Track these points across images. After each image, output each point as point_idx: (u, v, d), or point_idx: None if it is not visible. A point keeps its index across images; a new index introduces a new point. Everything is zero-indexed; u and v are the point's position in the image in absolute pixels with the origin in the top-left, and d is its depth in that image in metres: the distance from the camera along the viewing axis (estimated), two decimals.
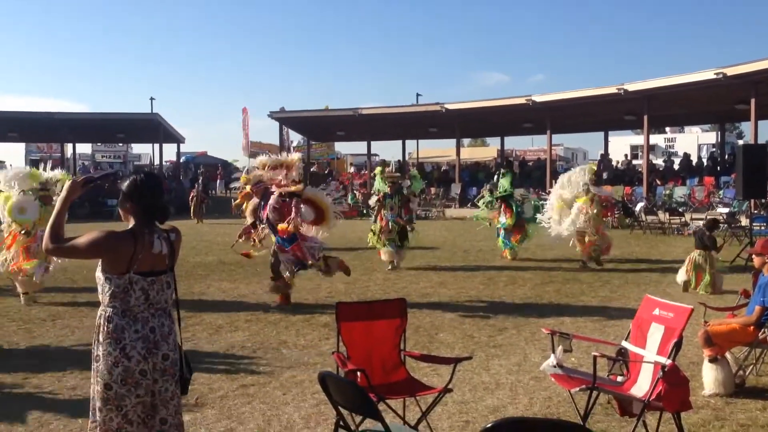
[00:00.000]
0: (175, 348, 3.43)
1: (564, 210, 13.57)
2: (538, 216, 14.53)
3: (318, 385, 5.73)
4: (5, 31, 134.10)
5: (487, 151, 52.53)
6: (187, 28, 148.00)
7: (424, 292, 10.80)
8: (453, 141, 36.76)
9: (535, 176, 33.41)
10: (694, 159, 35.20)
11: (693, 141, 51.15)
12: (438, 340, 7.73)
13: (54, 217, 3.39)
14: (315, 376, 6.14)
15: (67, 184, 3.46)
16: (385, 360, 4.87)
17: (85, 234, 3.37)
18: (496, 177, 15.79)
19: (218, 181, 39.70)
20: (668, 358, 4.29)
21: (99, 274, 3.36)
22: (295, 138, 47.35)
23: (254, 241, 9.94)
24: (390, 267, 13.24)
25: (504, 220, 14.74)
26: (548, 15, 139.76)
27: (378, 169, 14.30)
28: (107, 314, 3.33)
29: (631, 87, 25.51)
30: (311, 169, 40.78)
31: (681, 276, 11.00)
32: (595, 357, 4.26)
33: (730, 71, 21.94)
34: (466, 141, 52.66)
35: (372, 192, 14.14)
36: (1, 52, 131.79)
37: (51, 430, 5.06)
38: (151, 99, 54.96)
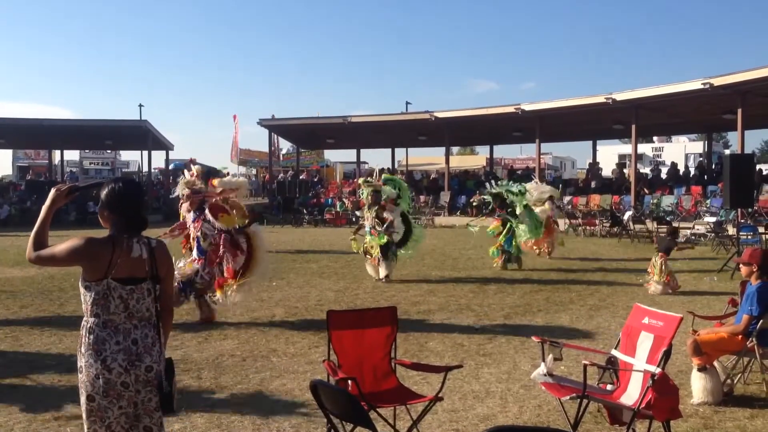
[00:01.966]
0: (160, 360, 3.38)
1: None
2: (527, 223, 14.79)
3: (308, 394, 5.75)
4: None
5: (476, 159, 52.74)
6: (177, 34, 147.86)
7: (413, 301, 10.80)
8: (442, 149, 36.87)
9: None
10: (682, 168, 35.44)
11: (680, 150, 51.62)
12: (427, 348, 7.72)
13: (37, 226, 3.36)
14: (305, 385, 6.16)
15: (52, 192, 3.42)
16: (375, 368, 4.87)
17: (64, 241, 3.34)
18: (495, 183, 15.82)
19: None
20: (658, 366, 4.31)
21: (80, 284, 3.33)
22: (285, 145, 47.40)
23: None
24: (382, 279, 12.84)
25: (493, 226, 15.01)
26: (538, 23, 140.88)
27: (362, 180, 13.98)
28: (88, 325, 3.29)
29: (620, 96, 25.67)
30: (300, 177, 40.77)
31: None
32: (585, 365, 4.27)
33: (717, 81, 22.12)
34: (454, 149, 52.78)
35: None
36: None
37: None
38: (140, 106, 54.85)
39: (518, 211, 14.88)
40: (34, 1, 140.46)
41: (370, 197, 12.92)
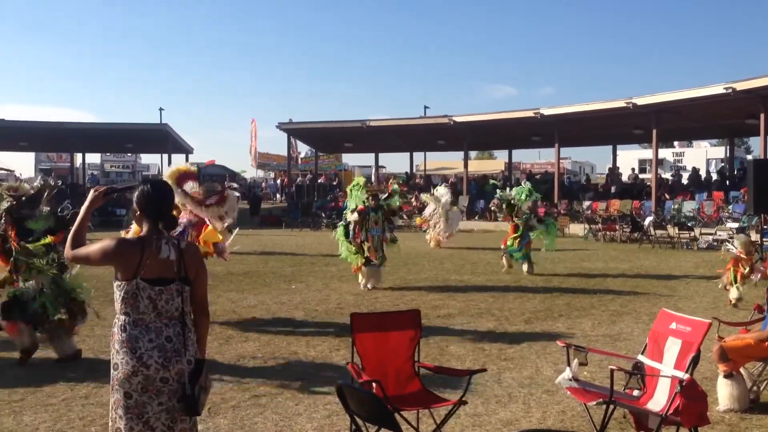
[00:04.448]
0: (196, 356, 3.43)
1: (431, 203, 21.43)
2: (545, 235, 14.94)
3: (330, 396, 5.77)
4: (18, 41, 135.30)
5: (494, 163, 52.56)
6: (196, 39, 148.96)
7: (433, 304, 10.77)
8: (460, 153, 36.81)
9: (543, 190, 33.30)
10: (703, 173, 35.10)
11: (701, 155, 51.16)
12: (448, 352, 7.70)
13: (75, 226, 3.46)
14: (326, 387, 6.17)
15: (91, 193, 3.52)
16: (399, 371, 4.86)
17: (98, 242, 3.43)
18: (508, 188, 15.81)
19: None
20: (686, 372, 4.26)
21: (113, 283, 3.41)
22: (303, 149, 47.53)
23: None
24: (369, 287, 12.38)
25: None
26: (557, 29, 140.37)
27: (357, 182, 13.29)
28: (120, 323, 3.36)
29: (640, 101, 25.50)
30: (318, 180, 40.87)
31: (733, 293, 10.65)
32: (612, 371, 4.23)
33: (740, 86, 21.92)
34: (472, 153, 52.64)
35: (348, 207, 13.04)
36: (13, 62, 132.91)
37: None
38: (160, 109, 55.56)
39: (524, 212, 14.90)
40: (58, 6, 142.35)
41: (371, 202, 12.62)
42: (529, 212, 14.95)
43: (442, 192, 21.96)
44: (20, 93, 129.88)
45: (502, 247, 14.93)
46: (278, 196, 42.96)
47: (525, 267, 14.68)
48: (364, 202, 12.60)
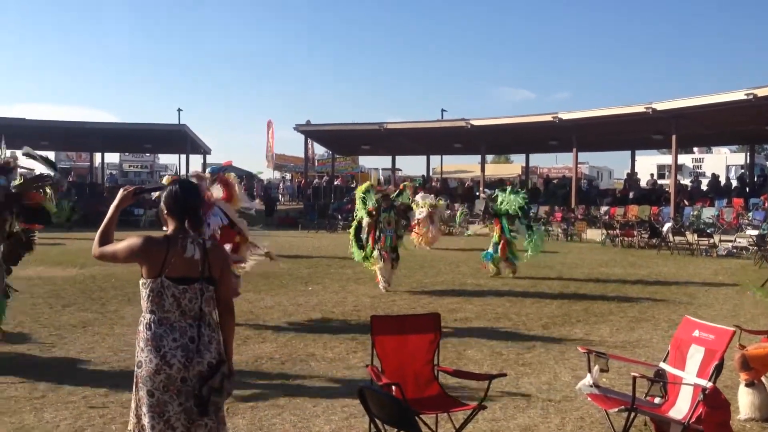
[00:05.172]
0: (219, 357, 3.44)
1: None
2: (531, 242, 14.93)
3: (348, 398, 5.78)
4: (40, 42, 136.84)
5: (511, 167, 52.40)
6: (215, 40, 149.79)
7: (450, 308, 10.75)
8: (476, 157, 36.70)
9: (560, 194, 33.24)
10: (723, 180, 34.79)
11: (721, 161, 50.69)
12: (466, 356, 7.68)
13: (104, 224, 3.52)
14: (344, 389, 6.18)
15: (120, 193, 3.58)
16: (418, 374, 4.85)
17: (125, 240, 3.47)
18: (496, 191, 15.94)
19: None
20: (709, 380, 4.23)
21: (140, 281, 3.45)
22: (320, 151, 47.64)
23: None
24: (386, 286, 12.42)
25: (494, 235, 15.10)
26: (574, 32, 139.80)
27: (365, 186, 13.23)
28: (146, 321, 3.39)
29: (660, 106, 25.34)
30: (335, 182, 40.94)
31: None
32: (634, 378, 4.20)
33: (761, 92, 21.74)
34: (489, 157, 52.56)
35: (356, 211, 13.07)
36: (35, 62, 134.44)
37: None
38: (179, 110, 55.77)
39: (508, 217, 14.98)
40: (78, 7, 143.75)
41: (382, 203, 12.57)
42: (520, 216, 14.99)
43: (423, 197, 23.10)
44: (42, 93, 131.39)
45: (495, 255, 15.01)
46: (287, 196, 43.06)
47: (507, 270, 14.83)
48: (374, 203, 12.58)
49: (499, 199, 15.23)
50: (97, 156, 42.54)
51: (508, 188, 15.94)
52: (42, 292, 11.65)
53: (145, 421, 3.35)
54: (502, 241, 14.76)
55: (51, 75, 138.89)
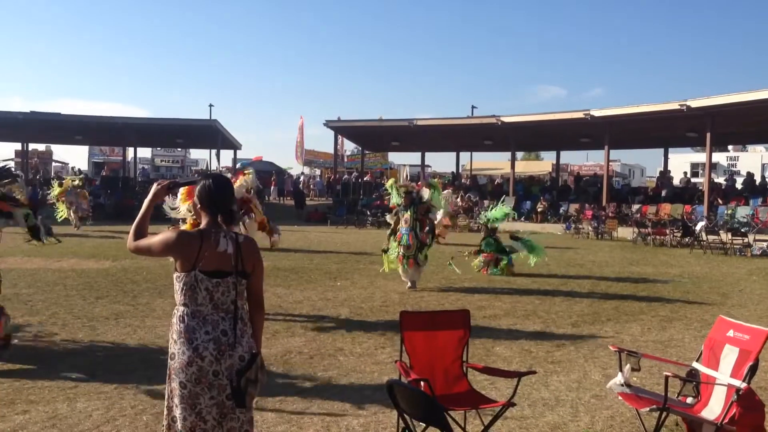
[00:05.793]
0: (250, 351, 3.46)
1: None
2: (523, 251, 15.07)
3: (377, 393, 5.78)
4: (76, 40, 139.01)
5: (541, 165, 51.98)
6: (246, 37, 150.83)
7: (478, 305, 10.70)
8: (506, 154, 36.48)
9: (592, 192, 32.91)
10: (758, 179, 34.14)
11: (757, 160, 49.78)
12: (495, 353, 7.64)
13: (138, 218, 3.57)
14: (373, 384, 6.20)
15: (154, 187, 3.62)
16: (447, 371, 4.84)
17: (159, 234, 3.53)
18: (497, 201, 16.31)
19: (272, 187, 40.27)
20: (743, 381, 4.15)
21: (173, 275, 3.49)
22: (349, 147, 47.76)
23: None
24: (410, 286, 12.33)
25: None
26: (607, 29, 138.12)
27: (390, 181, 13.37)
28: (179, 313, 3.43)
29: (695, 103, 24.93)
30: (364, 178, 41.01)
31: None
32: (667, 377, 4.15)
33: None
34: (519, 154, 52.20)
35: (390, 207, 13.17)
36: (71, 59, 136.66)
37: (117, 426, 5.15)
38: (210, 106, 56.64)
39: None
40: (113, 5, 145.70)
41: (404, 199, 12.46)
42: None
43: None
44: (77, 89, 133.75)
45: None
46: (316, 192, 43.24)
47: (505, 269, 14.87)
48: (397, 200, 12.63)
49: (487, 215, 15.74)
50: (130, 151, 43.15)
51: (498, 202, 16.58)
52: (75, 284, 11.84)
53: (177, 412, 3.39)
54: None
55: (84, 72, 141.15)
